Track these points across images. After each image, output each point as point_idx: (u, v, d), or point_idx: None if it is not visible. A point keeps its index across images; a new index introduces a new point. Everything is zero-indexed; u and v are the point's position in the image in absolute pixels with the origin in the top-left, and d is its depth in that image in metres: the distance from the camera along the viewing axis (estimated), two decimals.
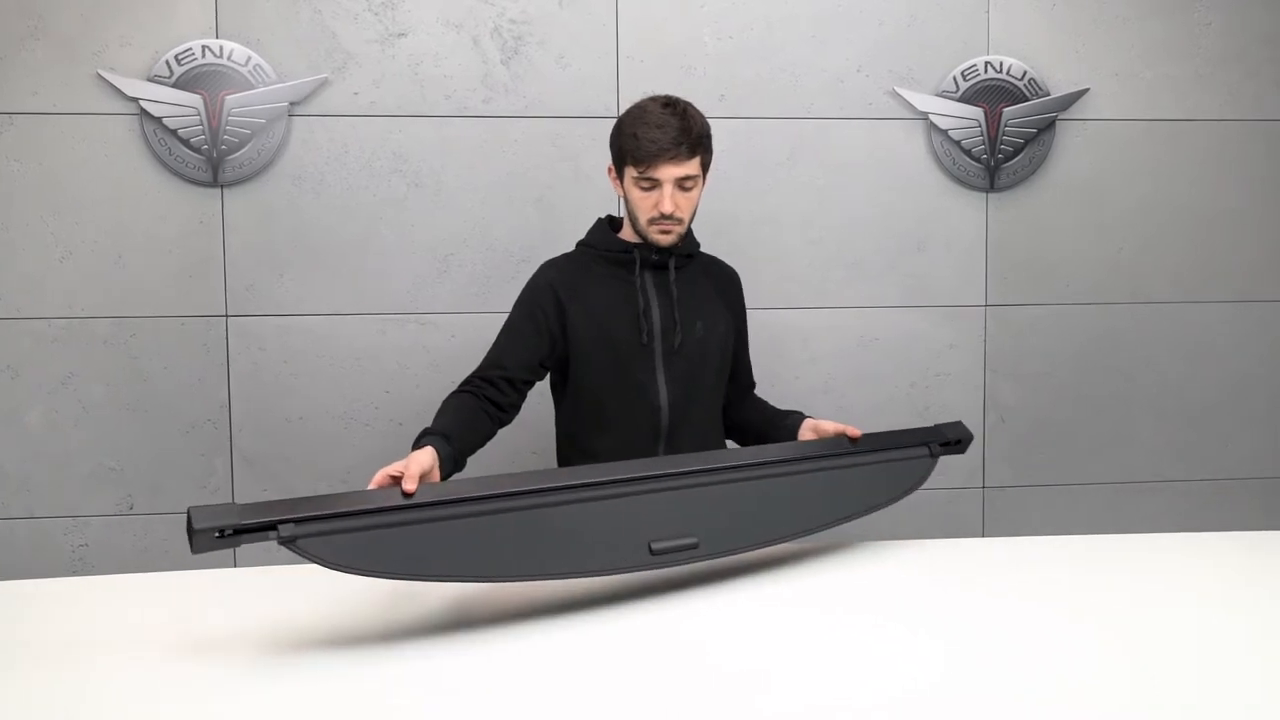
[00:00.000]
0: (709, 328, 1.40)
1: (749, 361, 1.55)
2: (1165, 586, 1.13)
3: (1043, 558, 1.26)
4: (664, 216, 1.31)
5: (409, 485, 0.99)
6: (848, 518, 1.23)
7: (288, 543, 0.92)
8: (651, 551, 1.06)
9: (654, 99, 1.34)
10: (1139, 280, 2.08)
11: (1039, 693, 0.82)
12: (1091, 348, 2.09)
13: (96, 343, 1.85)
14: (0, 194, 1.81)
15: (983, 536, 2.08)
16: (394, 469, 1.02)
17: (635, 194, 1.33)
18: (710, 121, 1.93)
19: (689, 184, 1.32)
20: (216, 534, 0.90)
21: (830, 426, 1.33)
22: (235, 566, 1.89)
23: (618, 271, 1.39)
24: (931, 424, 2.09)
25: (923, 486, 2.03)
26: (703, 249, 1.46)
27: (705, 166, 1.35)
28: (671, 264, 1.39)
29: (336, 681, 0.86)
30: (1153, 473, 2.13)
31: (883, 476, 1.29)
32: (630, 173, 1.32)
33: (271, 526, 0.91)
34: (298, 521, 0.92)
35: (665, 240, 1.35)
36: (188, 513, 0.90)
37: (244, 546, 2.04)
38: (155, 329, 1.87)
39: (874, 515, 2.07)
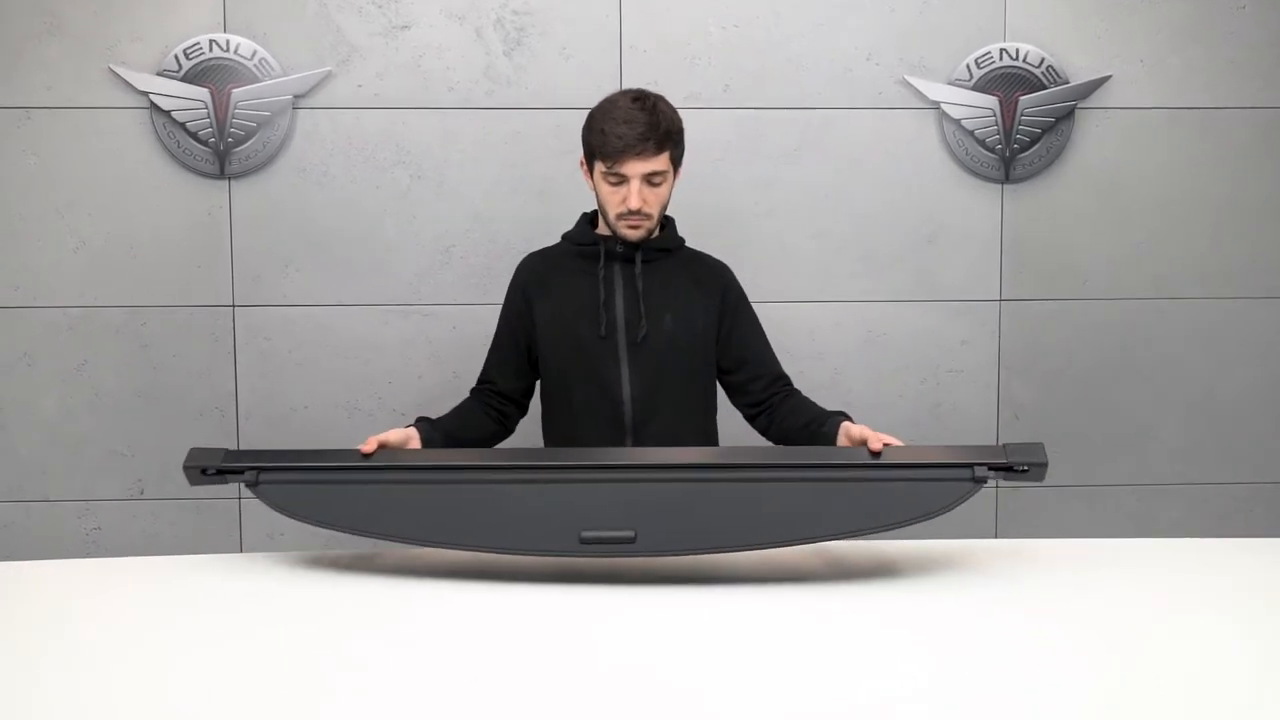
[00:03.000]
0: (681, 321, 1.45)
1: (762, 353, 1.52)
2: (1184, 594, 1.12)
3: (1054, 561, 1.25)
4: (631, 212, 1.38)
5: (366, 447, 1.22)
6: (817, 538, 1.13)
7: (251, 485, 1.18)
8: (581, 540, 1.08)
9: (624, 93, 1.41)
10: (1162, 275, 2.11)
11: (1032, 704, 0.83)
12: (1111, 345, 2.12)
13: (109, 332, 2.00)
14: (17, 186, 1.96)
15: (995, 538, 2.14)
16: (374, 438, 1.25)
17: (604, 189, 1.40)
18: (714, 113, 2.03)
19: (657, 179, 1.38)
20: (200, 471, 1.20)
21: (858, 432, 1.26)
22: (241, 551, 2.03)
23: (586, 265, 1.47)
24: (939, 421, 2.14)
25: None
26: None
27: (675, 162, 1.41)
28: (638, 257, 1.45)
29: (333, 660, 0.94)
30: (1176, 475, 2.16)
31: (886, 497, 1.12)
32: (599, 167, 1.39)
33: (241, 471, 1.18)
34: (263, 469, 1.18)
35: (633, 235, 1.42)
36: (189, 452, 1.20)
37: (249, 534, 2.17)
38: (165, 318, 2.01)
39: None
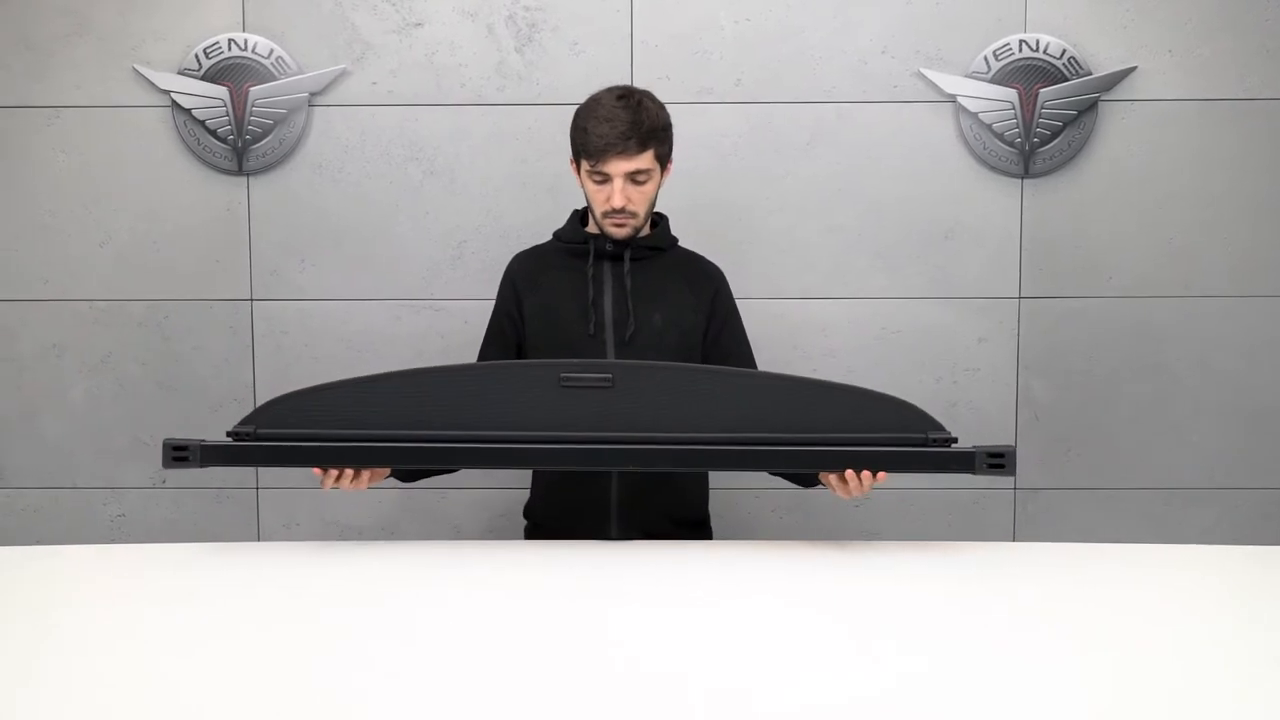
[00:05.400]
0: (670, 320, 1.52)
1: (744, 364, 1.60)
2: (1203, 602, 1.14)
3: (1070, 565, 1.28)
4: (615, 210, 1.45)
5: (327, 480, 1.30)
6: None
7: (236, 436, 1.28)
8: (561, 383, 1.21)
9: (610, 90, 1.47)
10: (1191, 272, 2.13)
11: (1038, 707, 0.86)
12: (1136, 344, 2.14)
13: (132, 324, 2.15)
14: (47, 183, 2.11)
15: (1013, 541, 2.19)
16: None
17: (589, 187, 1.47)
18: (726, 107, 2.10)
19: (641, 178, 1.44)
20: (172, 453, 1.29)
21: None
22: (258, 540, 2.17)
23: (575, 263, 1.54)
24: (956, 420, 2.19)
25: (947, 486, 2.17)
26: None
27: (662, 159, 1.47)
28: (626, 255, 1.52)
29: (345, 648, 1.01)
30: (1205, 479, 2.18)
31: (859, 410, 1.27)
32: (584, 165, 1.46)
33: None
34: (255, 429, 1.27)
35: (619, 233, 1.49)
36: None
37: (266, 523, 2.29)
38: (186, 312, 2.15)
39: (898, 516, 2.20)
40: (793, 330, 2.15)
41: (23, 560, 1.34)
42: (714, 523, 1.71)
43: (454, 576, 1.25)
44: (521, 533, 1.66)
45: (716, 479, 1.72)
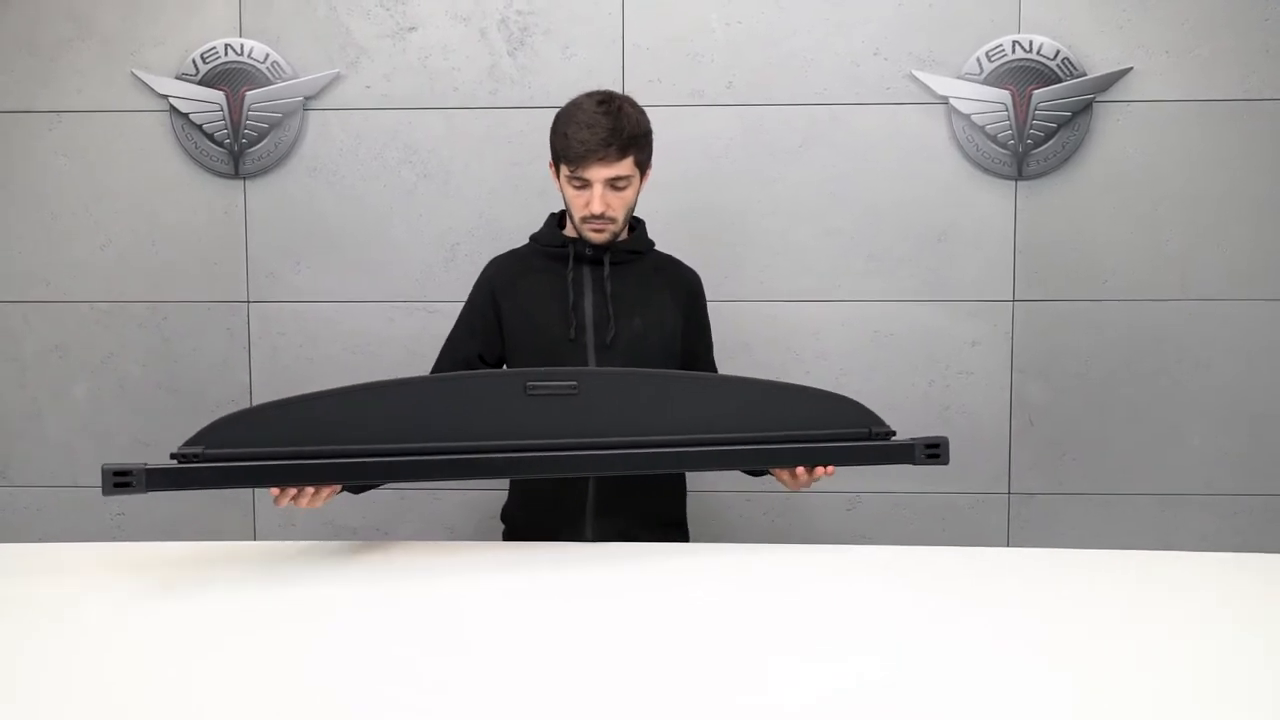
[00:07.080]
0: (650, 324, 1.56)
1: (708, 366, 1.68)
2: (1206, 610, 1.15)
3: (1062, 571, 1.30)
4: (595, 216, 1.49)
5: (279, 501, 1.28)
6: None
7: (181, 458, 1.20)
8: (527, 391, 1.25)
9: (590, 95, 1.50)
10: (1189, 275, 2.16)
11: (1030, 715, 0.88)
12: (1133, 348, 2.17)
13: (133, 325, 2.24)
14: (50, 186, 2.20)
15: (1008, 546, 2.23)
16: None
17: (569, 192, 1.51)
18: (718, 110, 2.16)
19: (621, 184, 1.48)
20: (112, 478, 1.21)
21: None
22: (255, 539, 2.26)
23: (554, 266, 1.58)
24: (948, 424, 2.24)
25: (942, 491, 2.22)
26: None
27: (641, 165, 1.51)
28: (606, 259, 1.56)
29: (343, 645, 1.06)
30: (1204, 485, 2.21)
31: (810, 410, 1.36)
32: (563, 170, 1.50)
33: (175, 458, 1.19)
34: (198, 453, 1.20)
35: (598, 238, 1.53)
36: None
37: (262, 522, 2.37)
38: (184, 313, 2.23)
39: (891, 521, 2.26)
40: (786, 333, 2.20)
41: (24, 557, 1.41)
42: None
43: (446, 576, 1.30)
44: (500, 536, 1.72)
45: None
